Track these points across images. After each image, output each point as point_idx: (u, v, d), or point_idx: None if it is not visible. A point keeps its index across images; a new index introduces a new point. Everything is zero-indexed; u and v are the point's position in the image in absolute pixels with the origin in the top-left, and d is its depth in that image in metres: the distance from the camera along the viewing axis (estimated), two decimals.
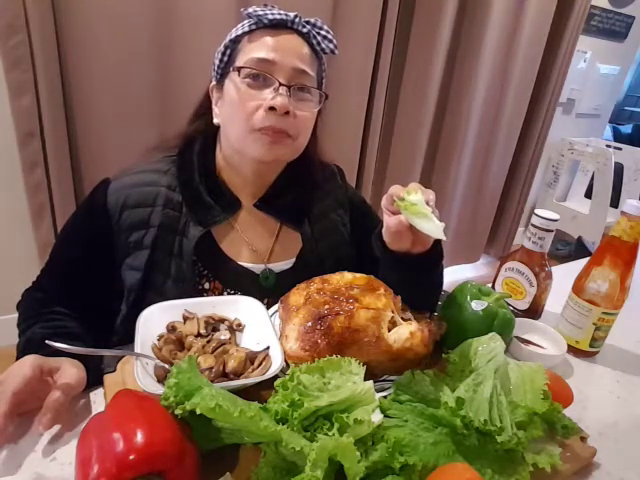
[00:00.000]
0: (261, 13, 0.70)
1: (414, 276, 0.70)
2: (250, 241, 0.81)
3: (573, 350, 0.80)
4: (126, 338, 0.74)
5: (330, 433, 0.45)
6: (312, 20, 0.74)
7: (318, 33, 0.74)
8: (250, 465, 0.47)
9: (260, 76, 0.70)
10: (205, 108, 0.80)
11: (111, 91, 1.52)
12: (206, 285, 0.78)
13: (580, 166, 3.29)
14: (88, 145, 1.56)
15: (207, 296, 0.77)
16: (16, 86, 1.38)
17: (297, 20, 0.72)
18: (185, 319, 0.66)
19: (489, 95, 2.40)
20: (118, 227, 0.75)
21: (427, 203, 0.62)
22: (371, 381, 0.51)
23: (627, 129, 4.12)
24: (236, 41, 0.73)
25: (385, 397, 0.54)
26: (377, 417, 0.49)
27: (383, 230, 0.68)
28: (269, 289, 0.80)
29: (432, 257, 0.69)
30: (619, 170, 3.00)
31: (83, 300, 0.77)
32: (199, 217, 0.76)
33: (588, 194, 3.25)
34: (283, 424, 0.45)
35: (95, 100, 1.51)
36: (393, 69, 2.07)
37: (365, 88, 2.01)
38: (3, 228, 1.64)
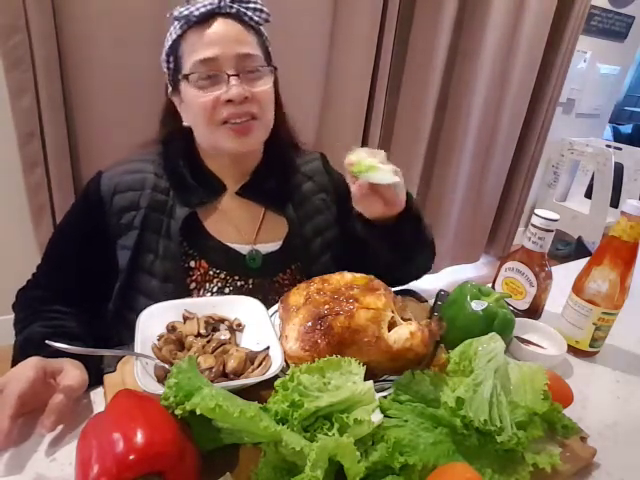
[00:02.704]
0: (187, 12, 0.70)
1: (401, 240, 0.77)
2: (236, 223, 0.83)
3: (573, 350, 0.80)
4: (116, 318, 0.77)
5: (330, 433, 0.45)
6: None
7: (247, 8, 0.73)
8: (250, 465, 0.47)
9: (209, 76, 0.71)
10: (170, 114, 0.81)
11: (111, 91, 1.52)
12: (192, 263, 0.79)
13: (580, 166, 3.29)
14: (88, 145, 1.56)
15: (192, 274, 0.78)
16: (16, 86, 1.38)
17: (223, 4, 0.71)
18: (185, 319, 0.66)
19: (489, 95, 2.40)
20: (110, 211, 0.77)
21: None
22: (371, 381, 0.51)
23: (627, 129, 4.12)
24: (174, 47, 0.74)
25: (385, 397, 0.54)
26: (377, 417, 0.49)
27: (353, 204, 0.74)
28: (255, 270, 0.82)
29: (410, 214, 0.76)
30: (619, 170, 3.00)
31: (82, 295, 0.78)
32: (185, 199, 0.78)
33: (588, 194, 3.25)
34: (283, 424, 0.45)
35: (95, 100, 1.51)
36: (393, 69, 2.07)
37: (365, 88, 2.01)
38: (3, 228, 1.64)
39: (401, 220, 0.75)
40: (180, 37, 0.73)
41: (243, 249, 0.82)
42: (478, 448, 0.50)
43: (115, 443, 0.40)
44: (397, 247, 0.78)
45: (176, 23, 0.72)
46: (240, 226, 0.83)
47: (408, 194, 0.76)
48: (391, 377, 0.61)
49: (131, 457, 0.39)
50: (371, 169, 0.66)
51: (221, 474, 0.46)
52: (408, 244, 0.80)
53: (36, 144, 1.45)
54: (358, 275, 0.68)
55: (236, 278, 0.80)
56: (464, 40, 2.20)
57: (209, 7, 0.70)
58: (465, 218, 2.72)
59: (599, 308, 0.76)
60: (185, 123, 0.79)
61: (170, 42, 0.74)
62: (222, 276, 0.80)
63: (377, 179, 0.67)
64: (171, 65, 0.76)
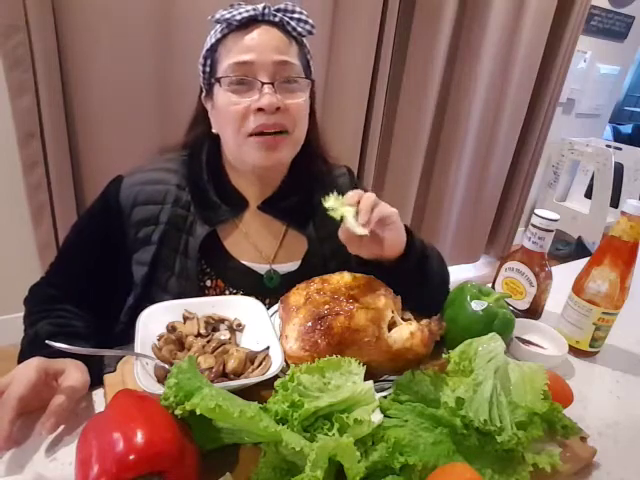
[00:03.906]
0: (229, 16, 0.68)
1: (407, 281, 0.70)
2: (255, 242, 0.81)
3: (573, 350, 0.80)
4: (127, 330, 0.76)
5: (330, 433, 0.45)
6: (282, 6, 0.71)
7: (291, 18, 0.71)
8: (250, 465, 0.47)
9: (243, 80, 0.69)
10: (201, 117, 0.80)
11: (111, 91, 1.52)
12: (207, 282, 0.78)
13: (580, 166, 3.29)
14: (88, 145, 1.56)
15: (208, 294, 0.78)
16: (16, 86, 1.38)
17: (267, 12, 0.69)
18: (185, 319, 0.66)
19: (489, 95, 2.40)
20: (128, 222, 0.76)
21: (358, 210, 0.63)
22: (371, 381, 0.51)
23: (627, 129, 4.12)
24: (212, 49, 0.73)
25: (385, 397, 0.54)
26: (377, 417, 0.49)
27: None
28: (272, 290, 0.80)
29: (411, 258, 0.70)
30: (619, 170, 3.00)
31: (93, 297, 0.78)
32: (206, 216, 0.77)
33: (588, 194, 3.25)
34: (283, 424, 0.45)
35: (95, 100, 1.51)
36: (393, 69, 2.07)
37: (365, 88, 2.01)
38: (3, 228, 1.64)
39: (401, 261, 0.70)
40: (219, 41, 0.71)
41: (261, 269, 0.80)
42: (478, 448, 0.50)
43: (115, 443, 0.40)
44: (399, 285, 0.70)
45: (217, 27, 0.71)
46: (260, 245, 0.81)
47: (411, 234, 0.71)
48: (391, 377, 0.61)
49: (131, 457, 0.39)
50: (338, 214, 0.63)
51: (221, 474, 0.46)
52: (411, 284, 0.72)
53: (36, 144, 1.45)
54: (358, 275, 0.67)
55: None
56: (464, 40, 2.20)
57: (252, 13, 0.68)
58: (465, 218, 2.72)
59: (599, 308, 0.76)
60: (214, 130, 0.77)
61: (209, 45, 0.72)
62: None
63: (349, 226, 0.63)
64: (207, 68, 0.74)
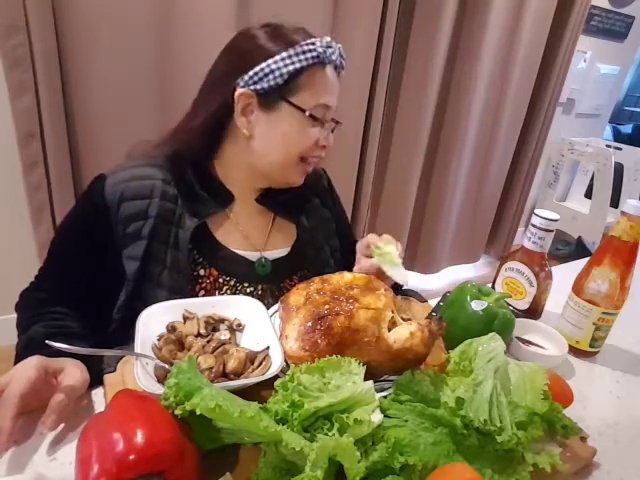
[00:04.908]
0: (329, 52, 0.72)
1: None
2: (245, 230, 0.84)
3: (573, 350, 0.80)
4: (121, 327, 0.76)
5: (330, 433, 0.45)
6: (342, 48, 0.77)
7: (342, 63, 0.78)
8: (250, 465, 0.47)
9: (323, 121, 0.77)
10: (224, 115, 0.77)
11: (111, 91, 1.52)
12: (201, 272, 0.79)
13: (580, 166, 3.29)
14: (88, 145, 1.56)
15: (202, 282, 0.78)
16: (16, 86, 1.38)
17: (339, 54, 0.76)
18: (185, 319, 0.66)
19: (489, 95, 2.40)
20: (117, 219, 0.75)
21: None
22: (371, 381, 0.51)
23: (627, 129, 4.12)
24: (297, 72, 0.72)
25: (385, 397, 0.54)
26: (377, 417, 0.49)
27: (355, 269, 0.80)
28: (264, 277, 0.83)
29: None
30: (619, 170, 3.00)
31: (85, 297, 0.77)
32: (194, 209, 0.78)
33: (588, 194, 3.25)
34: (283, 424, 0.45)
35: (95, 100, 1.51)
36: (393, 69, 2.07)
37: (365, 88, 2.01)
38: (3, 228, 1.64)
39: None
40: (306, 68, 0.72)
41: (252, 256, 0.83)
42: (478, 448, 0.50)
43: (115, 443, 0.40)
44: None
45: (306, 51, 0.71)
46: (249, 233, 0.84)
47: None
48: (391, 377, 0.61)
49: (131, 457, 0.39)
50: (389, 259, 0.74)
51: (221, 474, 0.46)
52: None
53: (36, 144, 1.45)
54: (358, 275, 0.67)
55: (245, 285, 0.81)
56: (464, 40, 2.20)
57: (338, 55, 0.75)
58: (465, 218, 2.72)
59: (599, 308, 0.76)
60: (245, 131, 0.76)
61: (298, 66, 0.71)
62: (232, 283, 0.80)
63: (393, 275, 0.74)
64: (279, 80, 0.72)
